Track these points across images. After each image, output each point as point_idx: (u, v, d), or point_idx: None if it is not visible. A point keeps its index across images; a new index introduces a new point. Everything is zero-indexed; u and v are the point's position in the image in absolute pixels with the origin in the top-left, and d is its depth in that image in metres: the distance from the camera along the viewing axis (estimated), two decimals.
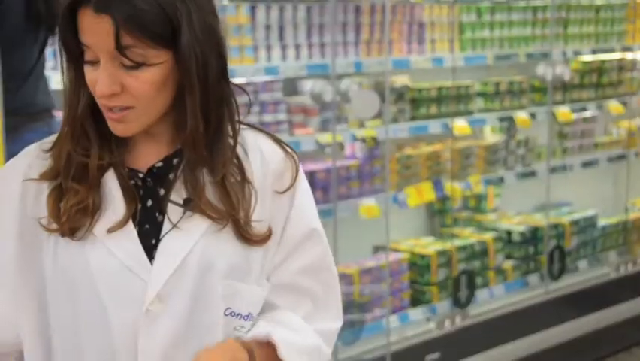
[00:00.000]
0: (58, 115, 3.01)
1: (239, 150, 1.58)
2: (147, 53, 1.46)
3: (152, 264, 1.52)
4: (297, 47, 4.09)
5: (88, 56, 1.48)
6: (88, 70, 1.49)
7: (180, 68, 1.49)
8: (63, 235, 1.53)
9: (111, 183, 1.54)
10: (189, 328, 1.53)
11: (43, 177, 1.56)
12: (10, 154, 2.73)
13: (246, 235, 1.56)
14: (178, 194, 1.54)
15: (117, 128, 1.52)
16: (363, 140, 4.22)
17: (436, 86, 4.65)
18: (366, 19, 4.30)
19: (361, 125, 4.29)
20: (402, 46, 4.48)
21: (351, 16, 4.26)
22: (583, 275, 5.31)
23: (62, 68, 1.54)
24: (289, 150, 1.64)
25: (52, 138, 1.60)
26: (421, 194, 4.49)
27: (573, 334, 5.05)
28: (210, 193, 1.54)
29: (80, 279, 1.52)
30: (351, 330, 4.10)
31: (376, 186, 4.34)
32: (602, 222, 5.54)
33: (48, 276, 1.55)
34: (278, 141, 1.64)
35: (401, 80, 4.56)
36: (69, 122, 1.55)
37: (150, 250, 1.53)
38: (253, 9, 3.95)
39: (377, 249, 4.57)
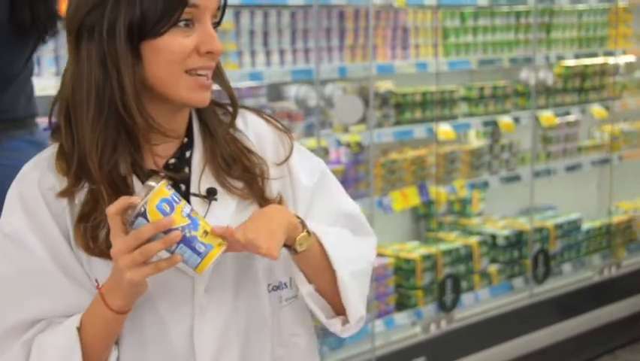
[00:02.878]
0: (42, 122, 3.00)
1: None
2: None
3: None
4: (282, 52, 4.09)
5: (181, 20, 1.49)
6: (175, 38, 1.49)
7: None
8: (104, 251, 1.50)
9: (138, 188, 1.50)
10: (237, 312, 1.57)
11: (63, 195, 1.52)
12: None
13: (267, 203, 1.59)
14: (199, 186, 1.56)
15: (204, 97, 1.53)
16: (348, 145, 4.23)
17: (421, 91, 4.66)
18: (350, 24, 4.31)
19: (346, 130, 4.30)
20: (386, 51, 4.49)
21: (335, 22, 4.27)
22: (567, 278, 5.33)
23: (106, 60, 1.47)
24: (274, 120, 1.69)
25: (47, 153, 1.56)
26: (406, 198, 4.50)
27: (558, 337, 5.07)
28: (230, 174, 1.57)
29: None
30: (336, 335, 4.09)
31: (361, 191, 4.34)
32: (585, 225, 5.56)
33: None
34: (260, 114, 1.69)
35: (385, 85, 4.57)
36: (101, 118, 1.48)
37: None
38: (237, 14, 3.95)
39: None
